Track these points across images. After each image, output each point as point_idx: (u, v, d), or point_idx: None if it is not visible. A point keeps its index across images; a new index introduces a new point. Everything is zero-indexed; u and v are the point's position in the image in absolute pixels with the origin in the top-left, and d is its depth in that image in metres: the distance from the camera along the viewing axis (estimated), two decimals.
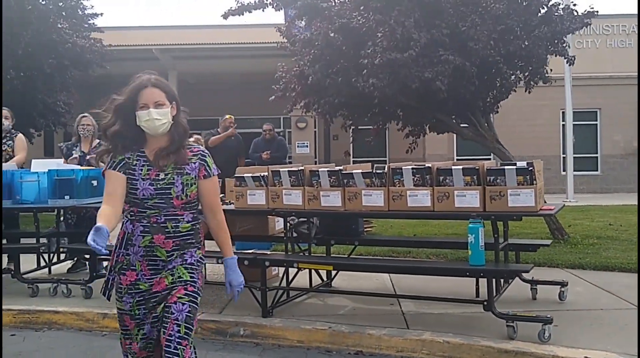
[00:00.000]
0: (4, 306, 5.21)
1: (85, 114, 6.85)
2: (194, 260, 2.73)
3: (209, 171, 2.76)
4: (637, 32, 7.55)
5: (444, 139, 15.96)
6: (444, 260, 6.65)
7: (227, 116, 9.97)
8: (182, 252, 2.69)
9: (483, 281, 4.61)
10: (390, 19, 7.22)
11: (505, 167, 4.33)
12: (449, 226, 9.02)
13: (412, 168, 4.49)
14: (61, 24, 11.39)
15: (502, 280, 4.76)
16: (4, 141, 6.55)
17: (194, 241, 2.75)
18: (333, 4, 8.34)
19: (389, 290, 5.67)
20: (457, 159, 16.84)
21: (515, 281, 5.03)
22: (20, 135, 6.77)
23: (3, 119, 6.53)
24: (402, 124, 9.32)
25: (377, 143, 11.98)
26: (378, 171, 4.60)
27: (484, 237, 4.23)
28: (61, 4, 11.46)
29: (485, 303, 4.24)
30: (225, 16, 9.06)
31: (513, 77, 8.24)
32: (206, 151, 2.87)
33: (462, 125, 9.09)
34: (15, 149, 6.61)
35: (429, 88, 7.32)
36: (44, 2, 11.20)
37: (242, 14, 8.90)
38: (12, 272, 5.90)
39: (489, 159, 13.92)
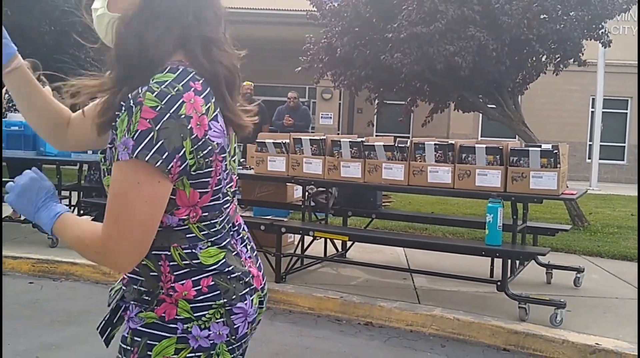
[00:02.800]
0: (23, 255, 5.34)
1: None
2: (129, 331, 1.32)
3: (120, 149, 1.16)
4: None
5: (469, 119, 15.78)
6: (461, 239, 6.63)
7: (246, 83, 9.89)
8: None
9: (498, 262, 4.58)
10: None
11: (530, 148, 4.27)
12: (467, 206, 8.96)
13: (435, 144, 4.44)
14: None
15: (517, 262, 4.73)
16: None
17: (140, 288, 1.30)
18: None
19: (403, 264, 5.67)
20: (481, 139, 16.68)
21: (530, 264, 4.99)
22: (47, 87, 6.82)
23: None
24: (426, 100, 9.21)
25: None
26: (400, 145, 4.56)
27: (503, 218, 4.19)
28: None
29: (499, 283, 4.22)
30: None
31: (545, 58, 8.06)
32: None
33: (489, 105, 8.96)
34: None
35: (452, 64, 7.18)
36: None
37: None
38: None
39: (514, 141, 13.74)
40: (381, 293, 4.69)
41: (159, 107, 1.13)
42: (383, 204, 6.95)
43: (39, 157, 5.95)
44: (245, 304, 1.31)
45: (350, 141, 4.76)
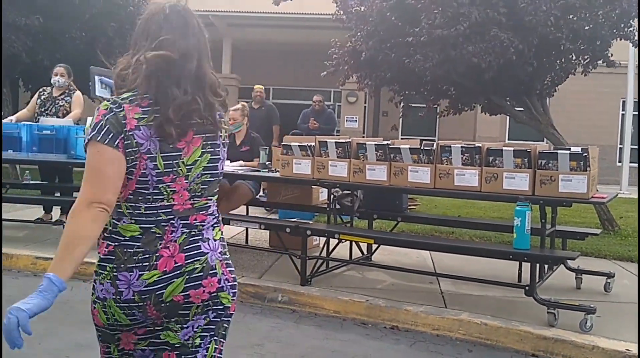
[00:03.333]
0: (54, 256, 5.43)
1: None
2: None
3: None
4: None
5: (496, 122, 15.62)
6: (488, 243, 6.56)
7: (256, 87, 9.97)
8: None
9: (526, 267, 4.53)
10: None
11: (559, 151, 4.21)
12: (494, 209, 8.87)
13: (462, 147, 4.41)
14: None
15: (546, 266, 4.67)
16: (62, 96, 6.74)
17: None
18: None
19: (429, 268, 5.63)
20: (509, 142, 16.48)
21: (559, 269, 4.92)
22: (78, 92, 6.95)
23: (59, 77, 6.70)
24: (452, 102, 9.15)
25: (427, 122, 11.83)
26: (426, 148, 4.54)
27: (531, 222, 4.14)
28: None
29: (527, 288, 4.17)
30: (276, 2, 9.03)
31: (574, 59, 7.94)
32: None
33: (516, 108, 8.86)
34: (73, 105, 6.79)
35: (474, 66, 7.12)
36: None
37: None
38: (64, 224, 6.12)
39: (542, 144, 13.56)
40: (407, 296, 4.66)
41: (108, 108, 1.65)
42: (409, 207, 6.92)
43: (70, 160, 6.06)
44: (130, 275, 1.67)
45: (375, 144, 4.76)
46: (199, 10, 11.99)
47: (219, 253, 1.85)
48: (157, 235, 1.70)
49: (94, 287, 1.75)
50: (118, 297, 1.68)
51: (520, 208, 4.09)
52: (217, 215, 1.89)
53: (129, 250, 1.68)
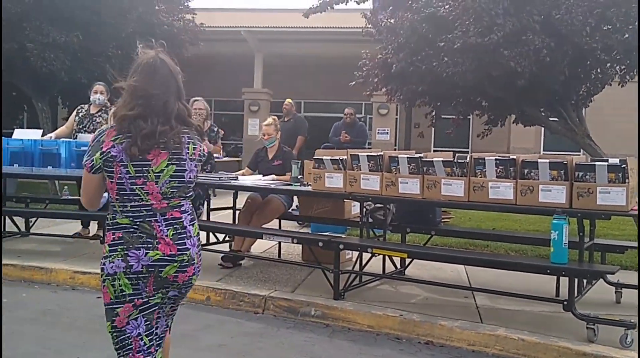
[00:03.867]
0: (92, 270, 5.53)
1: (198, 98, 6.79)
2: None
3: None
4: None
5: (531, 133, 15.38)
6: (524, 257, 6.44)
7: (287, 100, 10.06)
8: None
9: (564, 281, 4.42)
10: (477, 5, 7.00)
11: (596, 163, 4.12)
12: (530, 222, 8.71)
13: (496, 159, 4.36)
14: (158, 6, 11.88)
15: (584, 281, 4.56)
16: (99, 113, 6.88)
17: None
18: None
19: (464, 282, 5.56)
20: (544, 154, 16.21)
21: (599, 283, 4.79)
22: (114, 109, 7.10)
23: (99, 94, 6.86)
24: (484, 114, 9.07)
25: (459, 134, 11.74)
26: (459, 161, 4.50)
27: (569, 235, 4.05)
28: None
29: (565, 302, 4.08)
30: (306, 15, 9.12)
31: (610, 69, 7.80)
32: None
33: (551, 119, 8.73)
34: (109, 121, 6.93)
35: (509, 72, 7.03)
36: None
37: (324, 11, 8.92)
38: (101, 238, 6.24)
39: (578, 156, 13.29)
40: (442, 311, 4.60)
41: (99, 133, 2.42)
42: (442, 220, 6.85)
43: None
44: (139, 252, 2.33)
45: (408, 157, 4.73)
46: (230, 26, 12.32)
47: (197, 247, 2.52)
48: (144, 227, 2.36)
49: (103, 269, 2.38)
50: (128, 270, 2.34)
51: (557, 221, 4.01)
52: (190, 212, 2.51)
53: (134, 234, 2.35)
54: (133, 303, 2.40)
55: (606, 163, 4.05)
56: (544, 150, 18.09)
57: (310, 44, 17.35)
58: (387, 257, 5.45)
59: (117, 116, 2.40)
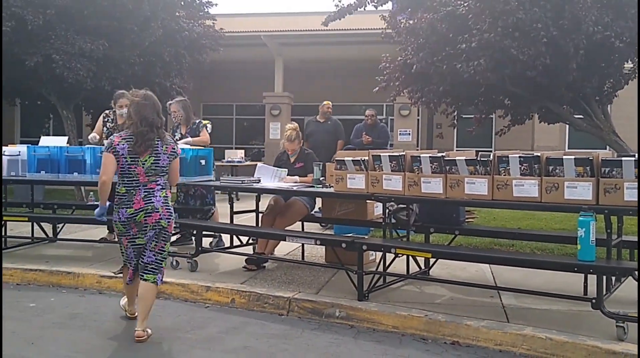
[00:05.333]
0: (119, 274, 5.59)
1: (171, 101, 7.28)
2: None
3: None
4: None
5: (555, 130, 15.18)
6: (551, 255, 6.35)
7: (325, 102, 10.00)
8: None
9: (592, 279, 4.36)
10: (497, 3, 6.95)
11: (623, 158, 4.05)
12: (556, 220, 8.59)
13: (520, 157, 4.31)
14: (179, 13, 12.00)
15: (613, 278, 4.48)
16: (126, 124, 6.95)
17: None
18: None
19: (489, 281, 5.50)
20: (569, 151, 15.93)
21: (627, 280, 4.71)
22: None
23: (125, 108, 6.92)
24: (506, 113, 8.98)
25: (482, 133, 11.63)
26: (482, 159, 4.46)
27: (596, 232, 3.99)
28: None
29: (593, 300, 4.01)
30: (325, 23, 9.11)
31: (632, 65, 7.66)
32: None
33: (575, 116, 8.60)
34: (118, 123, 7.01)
35: (521, 65, 6.95)
36: None
37: (343, 17, 8.91)
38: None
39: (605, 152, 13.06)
40: (467, 311, 4.56)
41: (111, 137, 4.36)
42: (466, 220, 6.79)
43: None
44: (122, 210, 4.21)
45: (430, 156, 4.70)
46: (250, 31, 12.39)
47: (161, 202, 4.25)
48: (132, 193, 4.20)
49: (114, 216, 4.27)
50: (118, 219, 4.24)
51: (584, 218, 3.95)
52: (162, 185, 4.29)
53: (121, 199, 4.22)
54: (126, 237, 4.30)
55: (633, 158, 3.98)
56: (569, 148, 17.84)
57: (330, 46, 17.35)
58: (411, 257, 5.42)
59: (127, 128, 4.30)
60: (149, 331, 4.21)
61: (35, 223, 7.10)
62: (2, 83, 11.11)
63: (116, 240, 7.11)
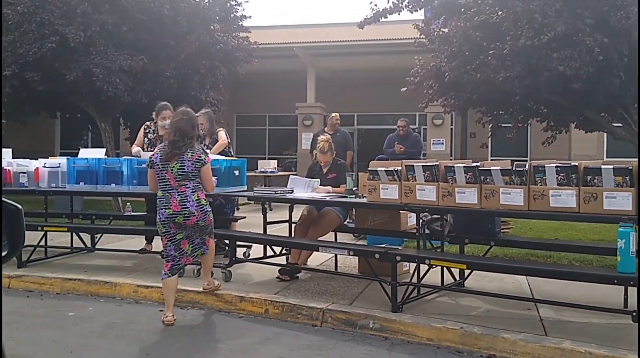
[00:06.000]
0: (154, 284, 5.68)
1: (198, 114, 7.24)
2: None
3: None
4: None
5: (592, 139, 14.87)
6: (589, 267, 6.21)
7: (334, 114, 10.04)
8: None
9: (633, 291, 4.24)
10: (530, 9, 6.85)
11: None
12: (595, 231, 8.41)
13: (556, 166, 4.24)
14: (214, 26, 12.19)
15: None
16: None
17: None
18: (471, 0, 8.09)
19: (526, 294, 5.40)
20: (607, 160, 15.57)
21: None
22: None
23: (167, 120, 7.04)
24: (543, 121, 8.84)
25: (517, 141, 11.45)
26: (518, 169, 4.40)
27: (636, 243, 3.89)
28: (217, 9, 12.25)
29: (634, 313, 3.91)
30: (361, 26, 9.12)
31: None
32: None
33: (613, 124, 8.42)
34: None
35: (562, 75, 6.82)
36: (207, 3, 11.99)
37: (378, 21, 8.90)
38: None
39: None
40: (504, 324, 4.49)
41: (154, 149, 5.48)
42: (502, 230, 6.70)
43: None
44: (162, 211, 4.89)
45: (464, 166, 4.66)
46: (283, 42, 12.51)
47: (195, 206, 4.86)
48: (168, 196, 4.84)
49: (156, 218, 4.97)
50: (159, 219, 4.91)
51: (623, 229, 3.86)
52: (193, 188, 4.87)
53: (160, 201, 4.90)
54: (166, 236, 4.92)
55: None
56: (607, 156, 17.44)
57: (361, 57, 17.38)
58: (445, 269, 5.37)
59: (165, 139, 5.31)
60: (216, 282, 5.40)
61: (74, 233, 7.27)
62: (43, 97, 11.45)
63: (154, 250, 7.36)
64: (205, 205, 4.94)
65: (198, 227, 4.94)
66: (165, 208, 4.83)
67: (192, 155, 4.86)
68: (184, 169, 4.83)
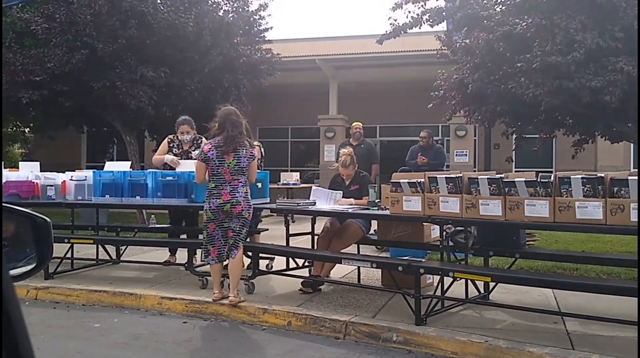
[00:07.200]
0: (178, 296, 5.72)
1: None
2: None
3: None
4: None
5: (619, 150, 14.65)
6: (617, 279, 6.09)
7: (354, 124, 9.93)
8: None
9: None
10: (549, 22, 6.79)
11: None
12: (623, 243, 8.26)
13: (582, 178, 4.18)
14: (237, 40, 12.34)
15: None
16: (192, 148, 7.13)
17: None
18: (494, 12, 8.05)
19: (552, 307, 5.32)
20: (634, 171, 15.29)
21: None
22: (204, 139, 7.38)
23: (185, 134, 7.12)
24: (569, 132, 8.73)
25: (542, 152, 11.31)
26: (543, 180, 4.35)
27: None
28: (241, 22, 12.40)
29: None
30: (380, 41, 9.12)
31: None
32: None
33: None
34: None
35: (598, 99, 6.76)
36: (230, 18, 12.14)
37: (398, 36, 8.89)
38: (186, 265, 6.46)
39: None
40: (530, 337, 4.42)
41: (201, 149, 5.73)
42: (527, 242, 6.61)
43: (189, 204, 6.41)
44: (212, 201, 5.42)
45: (488, 178, 4.63)
46: (305, 55, 12.58)
47: (243, 197, 5.41)
48: (220, 188, 5.39)
49: (204, 205, 5.48)
50: (209, 208, 5.44)
51: None
52: (243, 183, 5.44)
53: (211, 192, 5.43)
54: (214, 223, 5.44)
55: None
56: (634, 167, 17.15)
57: (383, 68, 17.41)
58: (469, 281, 5.31)
59: (216, 135, 5.47)
60: (241, 297, 5.49)
61: (100, 245, 7.36)
62: (70, 111, 11.68)
63: (178, 262, 7.44)
64: (250, 200, 5.53)
65: (243, 218, 5.42)
66: (217, 198, 5.35)
67: (245, 151, 5.42)
68: (240, 164, 5.38)
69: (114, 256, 7.51)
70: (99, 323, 5.31)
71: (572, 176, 4.23)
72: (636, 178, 4.01)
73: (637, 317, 3.89)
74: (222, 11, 12.18)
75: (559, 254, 6.27)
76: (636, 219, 3.95)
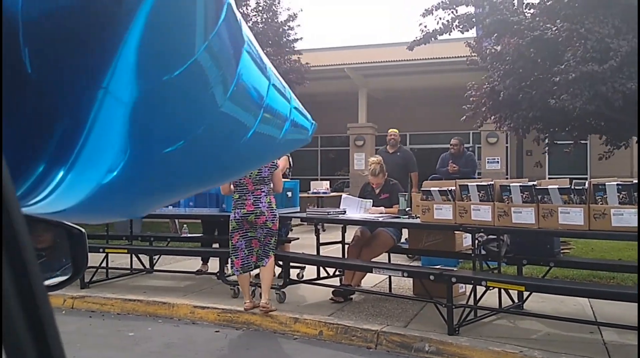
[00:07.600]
0: (210, 305, 5.77)
1: None
2: None
3: None
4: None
5: None
6: None
7: (390, 131, 9.68)
8: None
9: None
10: (581, 27, 6.70)
11: None
12: None
13: (617, 184, 4.10)
14: (267, 50, 12.48)
15: None
16: None
17: None
18: (524, 17, 7.97)
19: (588, 316, 5.21)
20: None
21: None
22: None
23: None
24: (604, 138, 8.58)
25: (576, 158, 11.15)
26: (577, 187, 4.27)
27: None
28: (270, 33, 12.53)
29: None
30: (410, 47, 9.09)
31: None
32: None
33: None
34: None
35: (629, 94, 6.61)
36: (260, 29, 12.28)
37: (428, 42, 8.86)
38: (217, 274, 6.51)
39: None
40: (565, 348, 4.33)
41: None
42: (562, 251, 6.49)
43: (221, 213, 6.47)
44: (237, 211, 5.48)
45: (520, 185, 4.57)
46: (334, 64, 12.71)
47: (266, 207, 5.43)
48: (244, 198, 5.43)
49: (230, 215, 5.55)
50: (234, 218, 5.48)
51: None
52: (266, 192, 5.45)
53: (236, 202, 5.48)
54: (239, 232, 5.46)
55: None
56: None
57: (413, 76, 17.36)
58: (503, 290, 5.24)
59: None
60: (273, 306, 5.45)
61: (133, 255, 7.48)
62: None
63: (210, 271, 7.53)
64: (275, 209, 5.54)
65: (267, 228, 5.45)
66: (241, 209, 5.43)
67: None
68: (261, 174, 5.42)
69: (147, 266, 7.62)
70: (134, 332, 5.39)
71: (607, 183, 4.15)
72: None
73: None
74: (251, 22, 12.32)
75: (595, 262, 6.14)
76: None
